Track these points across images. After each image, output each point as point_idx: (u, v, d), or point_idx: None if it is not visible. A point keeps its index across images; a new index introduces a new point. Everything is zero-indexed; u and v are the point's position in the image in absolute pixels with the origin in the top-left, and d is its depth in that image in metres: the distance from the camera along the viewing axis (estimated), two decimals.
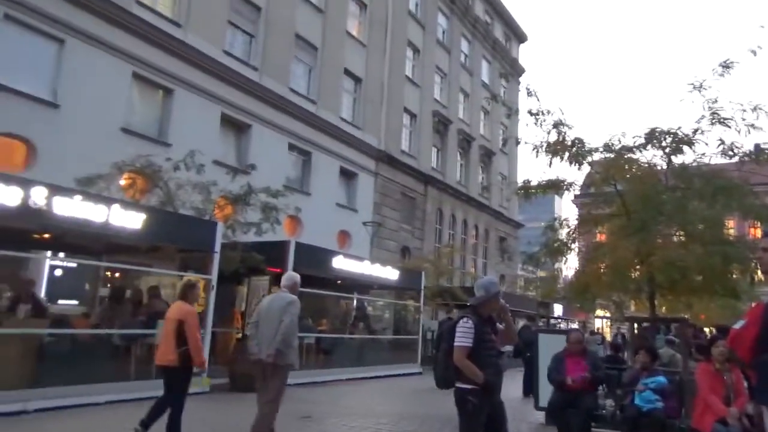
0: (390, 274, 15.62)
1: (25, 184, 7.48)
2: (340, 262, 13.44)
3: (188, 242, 10.03)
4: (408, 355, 16.06)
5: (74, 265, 11.54)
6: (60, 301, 11.35)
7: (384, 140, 24.24)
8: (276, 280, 11.21)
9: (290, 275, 5.95)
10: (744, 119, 8.70)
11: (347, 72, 22.64)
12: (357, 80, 23.36)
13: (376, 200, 23.47)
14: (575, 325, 29.06)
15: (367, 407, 8.39)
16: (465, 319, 4.22)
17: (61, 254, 10.99)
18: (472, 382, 4.06)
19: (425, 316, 18.50)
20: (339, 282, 14.34)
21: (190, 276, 7.29)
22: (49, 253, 11.10)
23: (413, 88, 27.10)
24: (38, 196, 7.42)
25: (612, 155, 10.17)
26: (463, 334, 4.13)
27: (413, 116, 27.12)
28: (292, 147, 19.45)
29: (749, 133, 8.84)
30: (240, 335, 11.25)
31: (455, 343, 4.13)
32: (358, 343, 14.82)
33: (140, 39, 14.47)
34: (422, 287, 17.01)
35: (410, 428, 7.46)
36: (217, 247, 10.07)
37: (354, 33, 23.26)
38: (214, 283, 9.94)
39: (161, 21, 15.19)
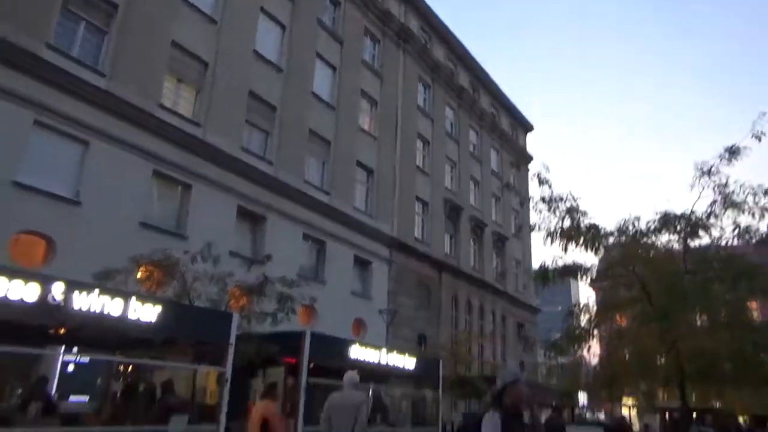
0: (407, 362, 15.19)
1: (44, 280, 7.53)
2: (356, 352, 13.13)
3: (203, 335, 9.89)
4: None
5: (86, 360, 11.38)
6: (71, 398, 11.08)
7: (397, 228, 24.45)
8: (290, 371, 10.98)
9: (353, 375, 6.64)
10: (757, 202, 8.73)
11: (359, 164, 23.26)
12: (369, 171, 23.93)
13: (390, 288, 23.30)
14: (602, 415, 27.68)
15: None
16: (491, 413, 4.04)
17: (75, 349, 10.86)
18: None
19: (444, 407, 17.75)
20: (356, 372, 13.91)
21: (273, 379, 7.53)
22: (62, 349, 10.97)
23: (424, 177, 27.67)
24: (57, 291, 7.45)
25: (627, 239, 10.16)
26: (489, 429, 3.95)
27: (425, 204, 27.48)
28: (306, 237, 19.65)
29: (763, 216, 8.84)
30: None
31: None
32: None
33: (161, 139, 15.10)
34: (440, 376, 16.46)
35: None
36: (232, 339, 9.91)
37: (365, 127, 24.14)
38: (228, 375, 9.69)
39: (182, 121, 15.91)
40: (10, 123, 12.00)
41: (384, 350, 15.00)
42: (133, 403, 9.30)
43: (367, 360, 13.40)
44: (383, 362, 14.30)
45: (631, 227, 10.22)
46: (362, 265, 22.41)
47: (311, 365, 11.50)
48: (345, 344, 13.30)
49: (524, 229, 29.91)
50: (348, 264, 21.39)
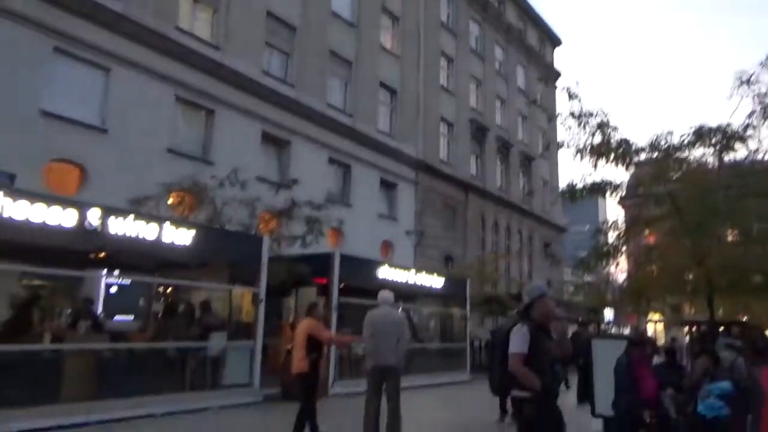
0: (435, 282, 15.56)
1: (81, 206, 7.77)
2: (384, 272, 13.46)
3: (236, 256, 10.23)
4: (456, 363, 15.89)
5: (128, 282, 11.91)
6: (116, 317, 11.73)
7: (422, 150, 24.25)
8: (322, 291, 11.37)
9: (388, 294, 6.92)
10: None
11: (382, 84, 22.79)
12: (392, 92, 23.47)
13: (417, 209, 23.46)
14: (628, 331, 28.20)
15: (417, 416, 8.32)
16: (520, 326, 4.14)
17: (116, 272, 11.36)
18: (529, 389, 3.97)
19: (472, 324, 18.28)
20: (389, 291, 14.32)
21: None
22: (104, 272, 11.49)
23: (448, 96, 27.05)
24: (93, 217, 7.69)
25: (659, 154, 9.91)
26: (518, 341, 4.05)
27: (450, 125, 27.05)
28: (331, 160, 19.66)
29: None
30: (290, 346, 11.34)
31: (510, 350, 4.05)
32: (406, 352, 14.71)
33: (181, 63, 14.91)
34: (467, 295, 16.84)
35: None
36: (264, 261, 10.23)
37: (387, 46, 23.42)
38: (263, 295, 10.10)
39: (200, 45, 15.63)
40: (32, 51, 11.95)
41: (412, 270, 15.34)
42: (174, 322, 9.78)
43: (395, 280, 13.73)
44: (411, 282, 14.66)
45: (663, 142, 9.94)
46: (388, 187, 22.47)
47: (341, 285, 11.86)
48: (373, 265, 13.62)
49: (552, 147, 29.49)
50: (374, 187, 21.46)
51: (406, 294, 15.85)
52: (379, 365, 6.48)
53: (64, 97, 12.49)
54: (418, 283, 14.94)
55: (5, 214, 6.80)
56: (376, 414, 6.55)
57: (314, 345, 6.95)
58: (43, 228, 7.18)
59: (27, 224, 7.01)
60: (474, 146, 28.88)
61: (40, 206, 7.18)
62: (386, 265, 14.16)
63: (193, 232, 9.07)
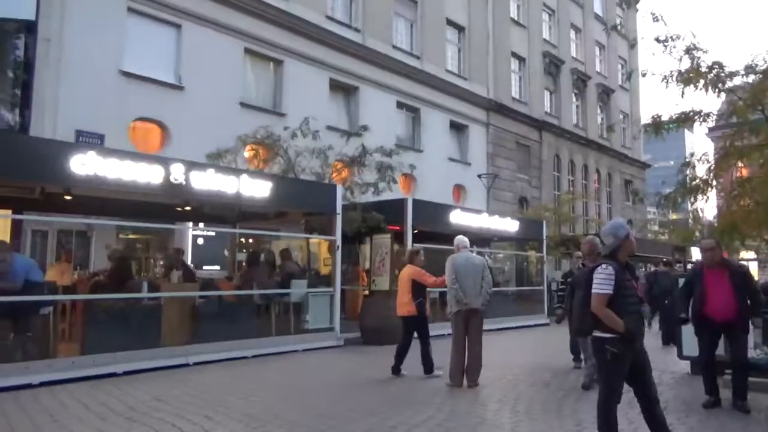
0: (509, 225, 15.38)
1: (165, 162, 8.18)
2: (457, 217, 13.42)
3: (311, 206, 10.51)
4: (534, 306, 15.85)
5: (213, 233, 12.60)
6: (204, 267, 12.51)
7: (493, 89, 23.53)
8: (397, 238, 11.52)
9: (465, 239, 7.13)
10: None
11: (449, 22, 22.06)
12: (460, 29, 22.70)
13: (489, 151, 23.03)
14: None
15: (497, 359, 8.43)
16: (604, 266, 4.03)
17: (201, 224, 12.03)
18: (612, 330, 3.91)
19: (548, 267, 18.06)
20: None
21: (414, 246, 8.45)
22: (190, 224, 12.20)
23: (520, 30, 25.84)
24: (177, 172, 8.09)
25: (756, 77, 9.12)
26: (603, 281, 3.96)
27: (522, 60, 25.96)
28: (400, 105, 19.51)
29: None
30: (366, 292, 11.69)
31: (594, 291, 3.97)
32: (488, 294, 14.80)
33: (248, 14, 15.05)
34: (544, 237, 16.57)
35: (544, 377, 7.42)
36: (339, 209, 10.45)
37: None
38: (339, 243, 10.37)
39: None
40: (107, 12, 12.42)
41: (485, 214, 15.21)
42: (257, 271, 10.28)
43: (468, 224, 13.67)
44: (485, 226, 14.56)
45: (762, 63, 9.11)
46: (458, 129, 22.12)
47: (414, 231, 11.97)
48: (446, 210, 13.60)
49: (633, 77, 27.72)
50: (444, 130, 21.19)
51: (480, 238, 15.81)
52: (464, 308, 6.67)
53: (141, 56, 12.98)
54: (493, 226, 14.81)
55: (100, 173, 7.27)
56: (463, 356, 6.73)
57: (419, 289, 7.29)
58: (134, 184, 7.63)
59: (119, 182, 7.47)
60: (548, 82, 27.69)
61: (129, 164, 7.62)
62: (459, 209, 14.10)
63: (269, 183, 9.36)
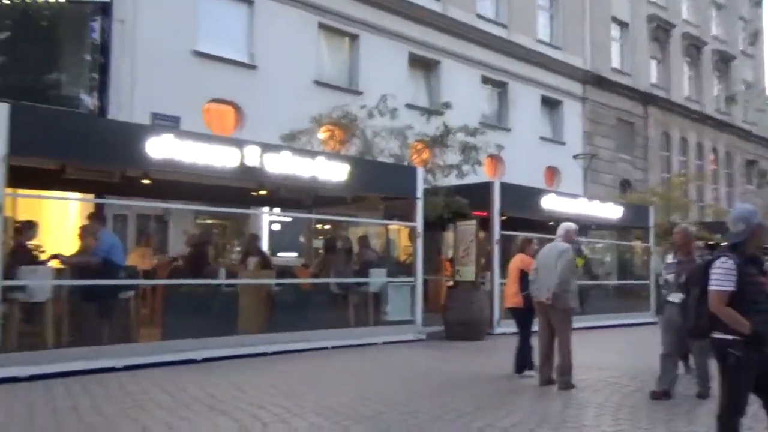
0: (611, 212, 14.83)
1: (240, 144, 8.48)
2: (551, 202, 13.07)
3: (390, 190, 10.57)
4: (638, 302, 15.20)
5: (289, 219, 12.97)
6: (280, 254, 12.96)
7: (590, 59, 22.70)
8: (482, 225, 11.40)
9: (565, 225, 6.99)
10: None
11: None
12: None
13: (586, 129, 22.32)
14: None
15: (596, 360, 8.18)
16: (724, 259, 3.77)
17: (277, 209, 12.41)
18: (735, 331, 3.66)
19: (656, 259, 17.23)
20: (551, 224, 13.98)
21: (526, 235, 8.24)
22: (266, 209, 12.64)
23: None
24: (252, 155, 8.37)
25: None
26: (722, 276, 3.70)
27: (624, 26, 24.86)
28: (485, 79, 19.24)
29: None
30: (450, 283, 11.67)
31: (712, 287, 3.73)
32: (579, 289, 14.39)
33: None
34: (651, 225, 15.83)
35: (650, 383, 7.12)
36: (419, 193, 10.45)
37: None
38: (420, 230, 10.38)
39: None
40: None
41: (582, 199, 14.72)
42: (334, 258, 10.50)
43: (563, 210, 13.28)
44: (582, 212, 14.07)
45: None
46: (551, 105, 21.59)
47: (502, 217, 11.78)
48: (538, 194, 13.28)
49: (758, 40, 25.89)
50: (534, 106, 20.72)
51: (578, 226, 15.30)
52: (538, 300, 6.66)
53: (213, 35, 13.50)
54: (591, 213, 14.30)
55: (176, 157, 7.65)
56: (545, 351, 6.67)
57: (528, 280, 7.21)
58: (209, 168, 7.98)
59: (194, 165, 7.84)
60: (654, 49, 26.38)
61: (204, 146, 7.97)
62: (552, 193, 13.73)
63: (346, 166, 9.50)
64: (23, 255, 7.49)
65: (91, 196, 10.06)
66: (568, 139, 21.55)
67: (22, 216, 8.53)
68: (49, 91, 11.70)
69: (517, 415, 5.38)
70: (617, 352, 9.84)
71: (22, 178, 7.54)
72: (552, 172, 20.87)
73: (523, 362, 7.20)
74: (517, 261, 7.43)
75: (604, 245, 17.58)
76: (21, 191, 8.39)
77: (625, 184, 23.65)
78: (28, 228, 7.90)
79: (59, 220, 11.35)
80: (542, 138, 20.75)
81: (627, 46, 24.95)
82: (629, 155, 24.17)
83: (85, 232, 8.06)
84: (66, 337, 7.26)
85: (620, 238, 16.84)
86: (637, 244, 16.51)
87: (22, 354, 6.65)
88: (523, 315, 7.30)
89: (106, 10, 12.23)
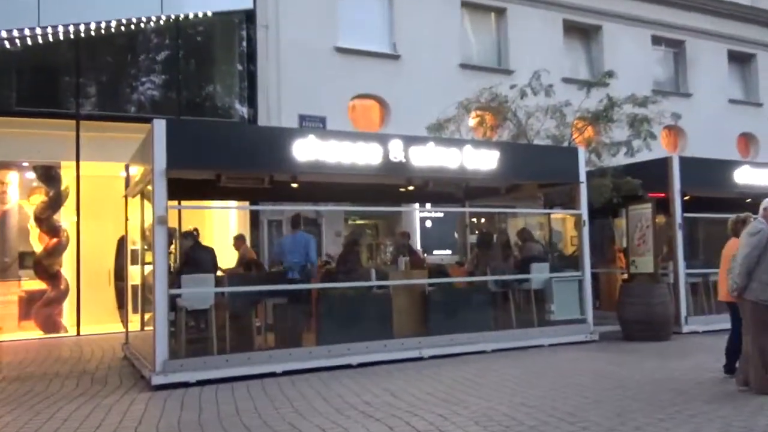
0: None
1: (382, 139, 8.66)
2: (745, 175, 11.80)
3: (548, 175, 10.18)
4: None
5: (440, 214, 13.07)
6: (435, 252, 13.11)
7: None
8: (660, 207, 10.58)
9: (766, 202, 6.27)
10: None
11: None
12: None
13: None
14: None
15: None
16: None
17: (428, 205, 12.55)
18: None
19: None
20: (748, 201, 12.62)
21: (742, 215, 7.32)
22: (417, 205, 12.83)
23: None
24: (396, 149, 8.50)
25: None
26: None
27: None
28: (656, 40, 18.14)
29: None
30: (625, 276, 11.00)
31: None
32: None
33: None
34: None
35: None
36: (582, 177, 9.98)
37: None
38: (585, 217, 9.90)
39: None
40: None
41: None
42: (492, 254, 10.35)
43: (763, 184, 11.94)
44: None
45: None
46: (741, 61, 19.89)
47: (684, 198, 10.90)
48: (728, 166, 12.05)
49: None
50: (720, 64, 19.20)
51: None
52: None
53: (353, 29, 14.03)
54: None
55: (321, 158, 8.00)
56: (745, 348, 6.21)
57: None
58: (354, 166, 8.24)
59: (339, 165, 8.14)
60: None
61: (347, 144, 8.24)
62: (747, 165, 12.39)
63: (496, 152, 9.30)
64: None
65: (245, 203, 10.88)
66: (766, 99, 19.66)
67: (186, 226, 9.49)
68: (205, 103, 12.90)
69: (708, 429, 4.91)
70: None
71: (182, 189, 8.35)
72: (746, 140, 19.25)
73: (733, 363, 6.67)
74: (732, 247, 6.80)
75: None
76: (184, 203, 9.31)
77: None
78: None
79: (221, 229, 12.49)
80: (732, 101, 19.17)
81: None
82: None
83: (238, 242, 8.76)
84: (232, 343, 7.96)
85: None
86: None
87: (191, 360, 7.37)
88: (737, 308, 6.72)
89: (251, 17, 13.18)
